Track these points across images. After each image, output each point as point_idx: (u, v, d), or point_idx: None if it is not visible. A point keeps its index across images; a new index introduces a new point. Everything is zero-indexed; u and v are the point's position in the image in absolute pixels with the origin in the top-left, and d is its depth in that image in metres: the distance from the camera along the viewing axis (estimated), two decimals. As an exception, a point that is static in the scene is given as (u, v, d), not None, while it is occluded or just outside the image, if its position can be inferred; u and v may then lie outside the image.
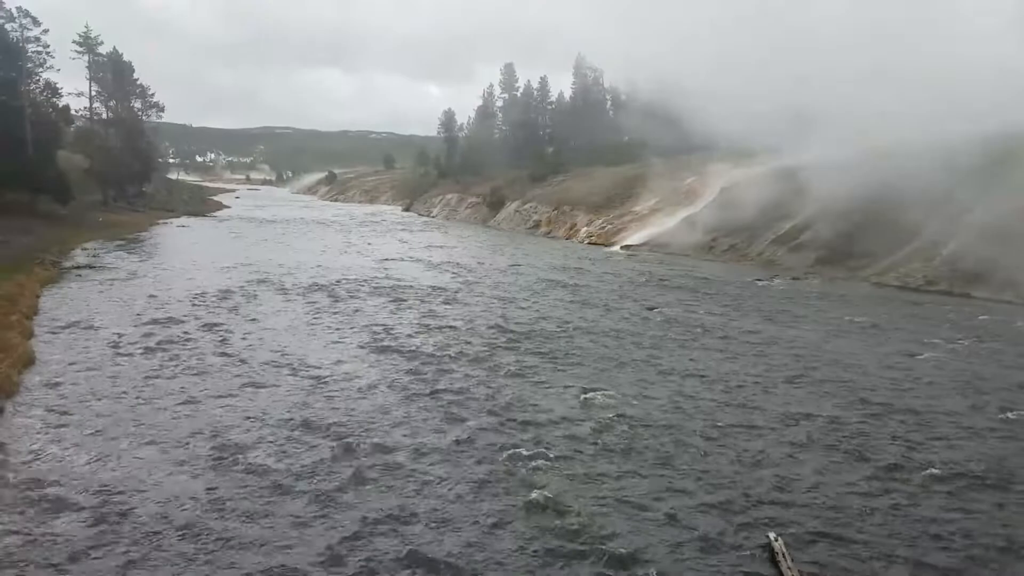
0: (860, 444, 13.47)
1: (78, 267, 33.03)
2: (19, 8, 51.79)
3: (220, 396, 15.10)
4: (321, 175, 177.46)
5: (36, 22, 52.49)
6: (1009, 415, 15.35)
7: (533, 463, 12.16)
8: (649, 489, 11.39)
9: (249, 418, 13.85)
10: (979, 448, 13.39)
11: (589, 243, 54.47)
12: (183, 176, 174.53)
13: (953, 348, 21.57)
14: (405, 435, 13.31)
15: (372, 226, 68.32)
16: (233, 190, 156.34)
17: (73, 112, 79.75)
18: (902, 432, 14.19)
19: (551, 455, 12.51)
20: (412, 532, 9.85)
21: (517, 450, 12.67)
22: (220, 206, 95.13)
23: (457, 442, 12.99)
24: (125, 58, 79.52)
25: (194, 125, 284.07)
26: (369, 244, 49.64)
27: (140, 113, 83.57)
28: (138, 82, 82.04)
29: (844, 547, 9.77)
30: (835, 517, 10.58)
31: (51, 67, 55.41)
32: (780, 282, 35.40)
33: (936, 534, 10.18)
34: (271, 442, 12.70)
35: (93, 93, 77.47)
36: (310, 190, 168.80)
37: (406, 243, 51.34)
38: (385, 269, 36.04)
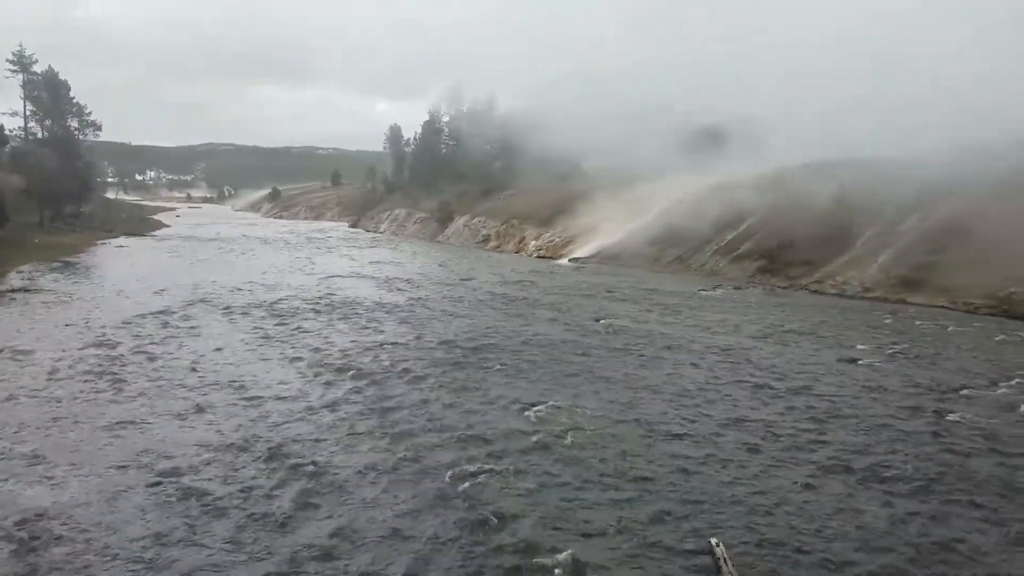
0: (798, 449, 13.78)
1: (13, 291, 31.96)
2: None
3: (157, 419, 14.76)
4: (265, 192, 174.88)
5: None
6: (945, 418, 15.85)
7: (478, 478, 12.15)
8: (593, 499, 11.49)
9: (187, 441, 13.56)
10: (916, 452, 13.77)
11: (538, 256, 54.74)
12: (122, 195, 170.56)
13: (889, 354, 22.21)
14: (349, 455, 13.19)
15: (317, 243, 67.62)
16: (173, 208, 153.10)
17: (8, 132, 77.80)
18: (840, 437, 14.55)
19: (496, 469, 12.51)
20: (355, 553, 9.77)
21: (463, 466, 12.63)
22: (160, 225, 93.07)
23: (402, 460, 12.91)
24: (61, 76, 77.60)
25: (134, 143, 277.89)
26: (313, 262, 49.09)
27: (77, 132, 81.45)
28: (74, 101, 80.00)
29: (784, 551, 9.98)
30: (775, 521, 10.80)
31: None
32: (722, 292, 36.05)
33: (872, 537, 10.46)
34: (210, 465, 12.46)
35: (28, 112, 75.54)
36: (253, 207, 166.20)
37: (352, 260, 50.92)
38: (330, 287, 35.67)
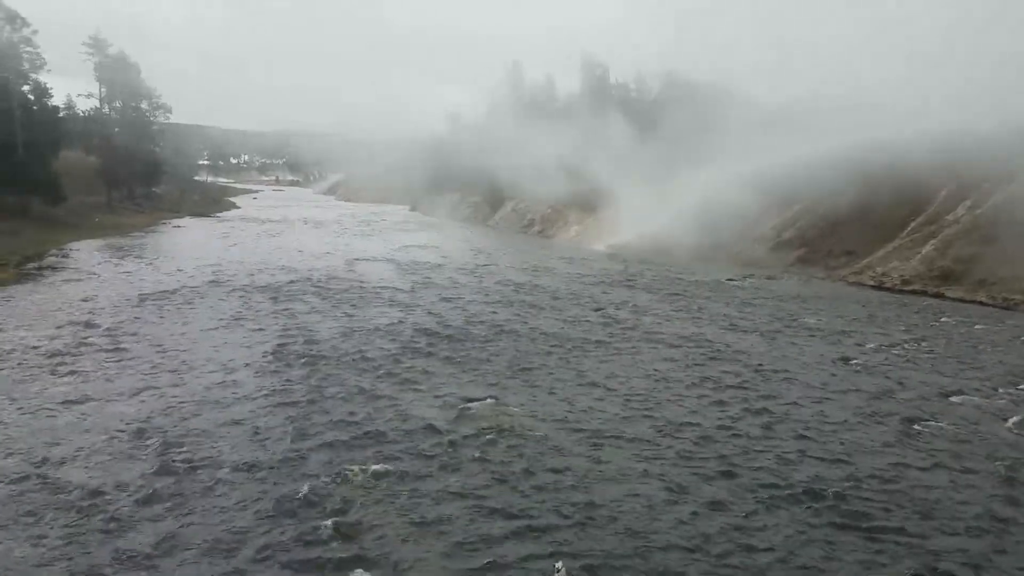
0: (729, 460, 12.48)
1: (41, 267, 33.00)
2: (7, 9, 52.02)
3: (71, 405, 14.54)
4: (340, 176, 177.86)
5: (26, 23, 52.70)
6: (912, 427, 14.25)
7: (358, 481, 11.41)
8: (465, 512, 10.59)
9: (83, 427, 13.29)
10: (857, 466, 12.32)
11: (577, 242, 53.63)
12: (211, 178, 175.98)
13: (892, 352, 20.32)
14: (241, 450, 12.61)
15: (369, 225, 67.92)
16: (258, 191, 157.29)
17: (80, 113, 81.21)
18: (783, 445, 13.19)
19: (381, 472, 11.74)
20: (167, 565, 9.17)
21: (351, 466, 11.89)
22: (231, 207, 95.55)
23: (287, 459, 12.20)
24: (133, 60, 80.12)
25: (225, 127, 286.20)
26: (348, 244, 49.18)
27: (147, 114, 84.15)
28: (145, 83, 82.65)
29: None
30: (664, 550, 9.71)
31: (48, 69, 55.66)
32: (752, 281, 34.12)
33: (748, 564, 9.27)
34: (88, 455, 12.10)
35: (102, 94, 78.43)
36: (330, 190, 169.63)
37: (390, 243, 50.72)
38: (351, 269, 35.47)
